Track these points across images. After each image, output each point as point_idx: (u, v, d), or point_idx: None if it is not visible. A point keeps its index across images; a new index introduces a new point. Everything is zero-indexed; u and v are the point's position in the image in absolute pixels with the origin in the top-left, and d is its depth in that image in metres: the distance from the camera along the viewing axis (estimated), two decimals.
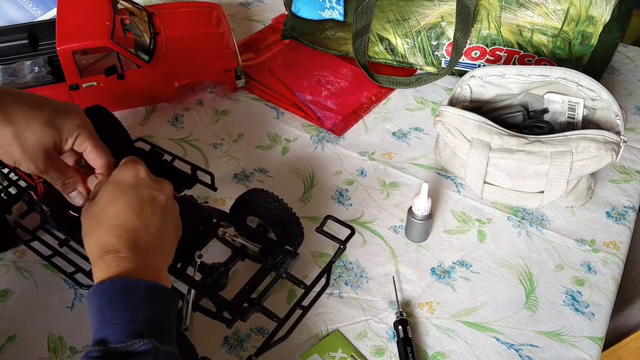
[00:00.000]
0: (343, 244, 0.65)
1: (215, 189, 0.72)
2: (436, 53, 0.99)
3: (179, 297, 0.51)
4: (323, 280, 0.64)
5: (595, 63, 0.91)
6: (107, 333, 0.44)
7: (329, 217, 0.68)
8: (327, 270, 0.64)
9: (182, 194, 0.68)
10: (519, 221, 0.78)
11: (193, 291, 0.59)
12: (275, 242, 0.65)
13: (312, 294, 0.62)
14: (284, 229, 0.67)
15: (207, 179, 0.72)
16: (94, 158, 0.59)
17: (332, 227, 0.67)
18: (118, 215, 0.50)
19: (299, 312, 0.60)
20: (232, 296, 0.60)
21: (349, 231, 0.66)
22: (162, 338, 0.45)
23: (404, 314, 0.67)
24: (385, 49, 1.02)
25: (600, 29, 0.86)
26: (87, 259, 0.56)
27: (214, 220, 0.65)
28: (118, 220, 0.50)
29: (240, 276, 0.69)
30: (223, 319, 0.59)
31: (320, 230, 0.67)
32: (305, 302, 0.61)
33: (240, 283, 0.62)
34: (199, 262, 0.60)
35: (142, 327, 0.45)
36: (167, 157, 0.75)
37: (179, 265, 0.61)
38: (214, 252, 0.68)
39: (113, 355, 0.42)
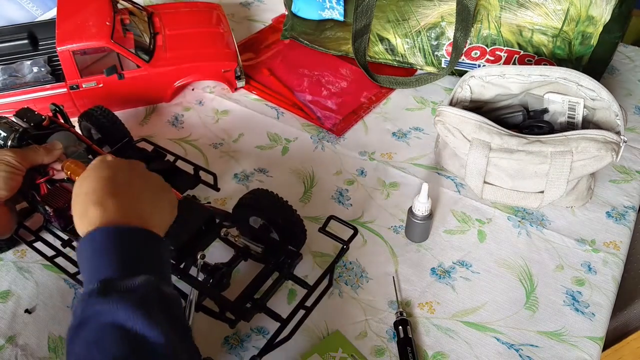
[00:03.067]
0: (346, 244, 0.65)
1: (218, 189, 0.72)
2: (436, 53, 0.99)
3: (170, 248, 0.52)
4: (325, 281, 0.64)
5: (595, 63, 0.91)
6: (104, 273, 0.44)
7: (331, 217, 0.68)
8: (329, 271, 0.64)
9: (185, 194, 0.68)
10: (519, 221, 0.79)
11: (196, 291, 0.59)
12: (278, 243, 0.66)
13: (315, 295, 0.62)
14: (287, 229, 0.67)
15: (209, 179, 0.72)
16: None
17: (333, 227, 0.67)
18: (93, 183, 0.51)
19: (301, 312, 0.61)
20: (234, 296, 0.60)
21: (350, 231, 0.66)
22: (160, 277, 0.45)
23: (404, 314, 0.67)
24: (385, 49, 1.02)
25: (600, 29, 0.86)
26: None
27: (217, 221, 0.65)
28: (93, 186, 0.50)
29: (243, 276, 0.69)
30: (226, 320, 0.59)
31: (323, 230, 0.67)
32: (308, 303, 0.61)
33: (242, 283, 0.62)
34: (201, 263, 0.60)
35: (138, 266, 0.45)
36: (170, 158, 0.75)
37: (182, 266, 0.61)
38: (216, 253, 0.68)
39: (115, 290, 0.42)
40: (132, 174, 0.54)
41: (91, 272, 0.45)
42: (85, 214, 0.48)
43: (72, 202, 0.52)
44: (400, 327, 0.65)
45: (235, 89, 1.00)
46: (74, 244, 0.68)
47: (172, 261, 0.61)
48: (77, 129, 0.77)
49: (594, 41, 0.88)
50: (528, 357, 0.64)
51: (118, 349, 0.40)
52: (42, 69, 0.92)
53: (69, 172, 0.62)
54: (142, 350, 0.40)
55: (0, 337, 0.66)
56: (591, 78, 0.75)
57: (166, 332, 0.41)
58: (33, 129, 0.69)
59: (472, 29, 0.93)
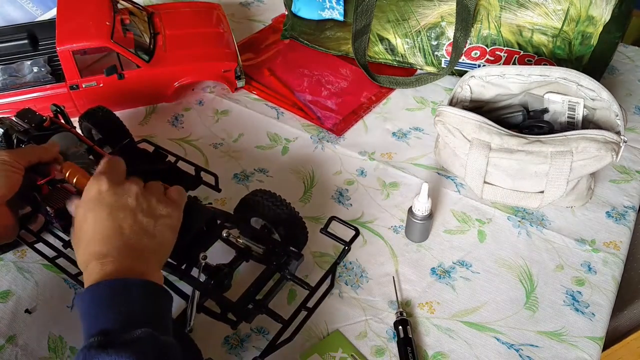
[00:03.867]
0: (348, 245, 0.65)
1: (219, 190, 0.72)
2: (436, 53, 0.99)
3: (171, 296, 0.52)
4: (327, 282, 0.64)
5: (595, 63, 0.91)
6: (103, 325, 0.44)
7: (333, 218, 0.68)
8: (331, 272, 0.64)
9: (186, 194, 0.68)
10: (519, 221, 0.79)
11: (197, 292, 0.59)
12: (279, 244, 0.65)
13: (317, 296, 0.62)
14: (289, 230, 0.67)
15: (210, 180, 0.72)
16: None
17: (333, 227, 0.67)
18: (91, 229, 0.52)
19: (303, 313, 0.60)
20: (236, 297, 0.60)
21: (351, 232, 0.66)
22: (159, 328, 0.46)
23: (404, 314, 0.67)
24: (385, 49, 1.02)
25: (600, 29, 0.86)
26: None
27: (218, 222, 0.65)
28: (92, 234, 0.52)
29: (244, 277, 0.69)
30: (228, 321, 0.59)
31: (324, 231, 0.67)
32: (310, 304, 0.61)
33: (244, 284, 0.62)
34: (203, 264, 0.60)
35: (138, 319, 0.45)
36: (171, 158, 0.75)
37: (183, 267, 0.61)
38: (218, 254, 0.68)
39: (113, 344, 0.43)
40: (127, 214, 0.53)
41: (91, 322, 0.46)
42: (86, 266, 0.50)
43: (72, 242, 0.54)
44: (400, 327, 0.65)
45: (235, 89, 1.00)
46: None
47: (173, 262, 0.61)
48: (78, 130, 0.77)
49: (594, 41, 0.88)
50: (528, 357, 0.64)
51: None
52: (42, 69, 0.92)
53: (73, 180, 0.61)
54: None
55: (1, 337, 0.66)
56: (591, 78, 0.75)
57: None
58: (34, 130, 0.69)
59: (472, 29, 0.93)
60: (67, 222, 0.63)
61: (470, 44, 0.95)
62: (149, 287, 0.49)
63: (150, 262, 0.52)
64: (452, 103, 0.82)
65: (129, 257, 0.50)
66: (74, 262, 0.67)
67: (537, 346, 0.65)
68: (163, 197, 0.57)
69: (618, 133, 0.72)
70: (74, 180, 0.60)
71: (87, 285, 0.48)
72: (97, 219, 0.52)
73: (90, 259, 0.50)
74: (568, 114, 0.79)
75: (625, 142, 0.71)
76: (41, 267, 0.73)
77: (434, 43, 0.98)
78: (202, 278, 0.61)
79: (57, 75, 0.91)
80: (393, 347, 0.65)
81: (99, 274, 0.48)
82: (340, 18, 1.02)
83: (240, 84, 0.99)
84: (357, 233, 0.66)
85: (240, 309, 0.58)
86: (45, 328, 0.67)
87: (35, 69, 0.92)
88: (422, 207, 0.72)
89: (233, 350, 0.65)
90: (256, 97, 1.00)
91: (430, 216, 0.73)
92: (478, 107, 0.82)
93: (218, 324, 0.60)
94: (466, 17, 0.91)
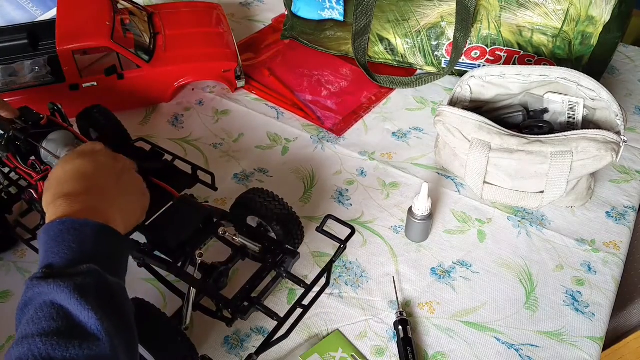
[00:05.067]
0: (343, 243, 0.65)
1: (215, 189, 0.72)
2: (436, 53, 0.99)
3: (130, 244, 0.54)
4: (323, 280, 0.64)
5: (595, 63, 0.91)
6: (52, 260, 0.46)
7: (329, 216, 0.68)
8: (327, 270, 0.64)
9: (183, 193, 0.68)
10: (519, 221, 0.79)
11: (193, 290, 0.59)
12: (275, 242, 0.66)
13: (313, 294, 0.62)
14: (284, 228, 0.67)
15: (207, 178, 0.72)
16: None
17: (332, 226, 0.67)
18: (72, 171, 0.54)
19: (299, 311, 0.61)
20: (232, 295, 0.60)
21: (349, 231, 0.66)
22: (108, 270, 0.47)
23: (404, 314, 0.67)
24: (385, 49, 1.02)
25: (600, 29, 0.86)
26: None
27: (215, 220, 0.65)
28: (72, 174, 0.54)
29: (241, 275, 0.69)
30: (223, 318, 0.59)
31: (320, 229, 0.67)
32: (306, 302, 0.61)
33: (240, 282, 0.62)
34: (199, 261, 0.60)
35: (86, 257, 0.46)
36: (168, 157, 0.75)
37: (179, 264, 0.61)
38: (214, 252, 0.68)
39: (55, 275, 0.44)
40: (110, 170, 0.57)
41: (42, 258, 0.47)
42: (53, 202, 0.51)
43: (45, 183, 0.55)
44: (400, 327, 0.65)
45: (235, 89, 1.00)
46: None
47: (169, 260, 0.61)
48: (76, 128, 0.77)
49: (594, 41, 0.88)
50: (528, 357, 0.64)
51: (48, 323, 0.41)
52: (42, 69, 0.92)
53: None
54: (73, 329, 0.42)
55: (0, 337, 0.66)
56: (591, 78, 0.75)
57: (100, 316, 0.42)
58: (31, 128, 0.69)
59: (472, 29, 0.93)
60: None
61: (470, 44, 0.95)
62: (105, 230, 0.50)
63: (114, 217, 0.53)
64: (452, 103, 0.82)
65: (96, 205, 0.52)
66: None
67: (537, 346, 0.65)
68: (141, 185, 0.62)
69: (618, 133, 0.72)
70: None
71: (49, 220, 0.49)
72: (81, 165, 0.55)
73: (57, 198, 0.51)
74: (568, 114, 0.79)
75: (625, 142, 0.71)
76: None
77: (434, 43, 0.98)
78: (198, 276, 0.61)
79: (57, 75, 0.91)
80: (393, 347, 0.65)
81: (63, 211, 0.50)
82: (340, 18, 1.02)
83: (240, 84, 0.99)
84: (353, 231, 0.66)
85: (236, 306, 0.58)
86: None
87: (35, 69, 0.92)
88: (422, 207, 0.72)
89: (233, 350, 0.65)
90: (256, 97, 1.00)
91: (430, 216, 0.73)
92: (478, 107, 0.82)
93: (218, 323, 0.60)
94: (466, 17, 0.91)
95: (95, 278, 0.45)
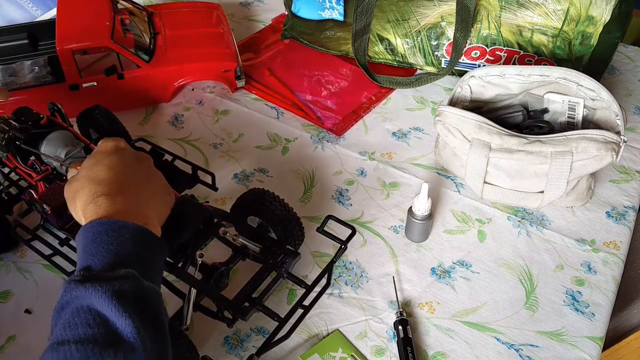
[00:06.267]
0: (344, 244, 0.65)
1: (216, 189, 0.72)
2: (436, 53, 0.99)
3: (166, 248, 0.53)
4: (324, 280, 0.64)
5: (595, 63, 0.91)
6: (90, 262, 0.45)
7: (330, 217, 0.68)
8: (328, 270, 0.64)
9: (183, 193, 0.68)
10: (519, 221, 0.79)
11: (194, 291, 0.59)
12: (276, 242, 0.65)
13: (313, 294, 0.62)
14: (285, 228, 0.67)
15: (207, 179, 0.72)
16: None
17: (332, 227, 0.67)
18: (105, 171, 0.53)
19: (299, 311, 0.61)
20: (232, 296, 0.60)
21: (349, 231, 0.66)
22: (145, 274, 0.46)
23: (404, 314, 0.67)
24: (385, 49, 1.02)
25: (600, 29, 0.86)
26: None
27: (215, 220, 0.65)
28: (105, 175, 0.53)
29: (241, 276, 0.69)
30: (224, 319, 0.59)
31: (321, 230, 0.67)
32: (306, 302, 0.61)
33: (241, 283, 0.62)
34: (200, 262, 0.60)
35: (125, 260, 0.46)
36: (168, 157, 0.75)
37: (180, 265, 0.61)
38: (215, 252, 0.68)
39: (94, 279, 0.43)
40: (139, 170, 0.56)
41: (80, 260, 0.47)
42: (93, 202, 0.50)
43: (72, 184, 0.53)
44: (400, 327, 0.65)
45: (235, 89, 1.00)
46: (72, 242, 0.68)
47: (170, 260, 0.61)
48: (76, 128, 0.77)
49: (594, 41, 0.88)
50: (528, 357, 0.64)
51: (84, 330, 0.41)
52: (42, 69, 0.92)
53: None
54: (109, 335, 0.41)
55: (0, 337, 0.66)
56: (591, 78, 0.75)
57: (136, 324, 0.42)
58: (31, 128, 0.69)
59: (472, 29, 0.93)
60: (63, 220, 0.64)
61: (470, 44, 0.95)
62: (143, 233, 0.49)
63: (152, 218, 0.53)
64: (452, 103, 0.82)
65: (135, 205, 0.52)
66: (70, 260, 0.67)
67: (537, 346, 0.65)
68: (164, 181, 0.60)
69: (618, 133, 0.72)
70: None
71: (88, 220, 0.49)
72: (112, 164, 0.54)
73: (98, 197, 0.50)
74: (568, 114, 0.79)
75: (625, 142, 0.71)
76: (41, 267, 0.73)
77: (434, 43, 0.98)
78: (199, 276, 0.61)
79: (57, 75, 0.91)
80: (393, 347, 0.65)
81: (105, 211, 0.49)
82: (340, 18, 1.02)
83: (240, 84, 0.99)
84: (354, 232, 0.66)
85: (236, 307, 0.58)
86: (45, 328, 0.66)
87: (35, 69, 0.92)
88: (422, 207, 0.72)
89: (233, 350, 0.65)
90: (256, 97, 1.00)
91: (430, 216, 0.73)
92: (478, 107, 0.82)
93: (218, 324, 0.60)
94: (466, 17, 0.91)
95: (134, 284, 0.44)
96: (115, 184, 0.52)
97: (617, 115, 0.73)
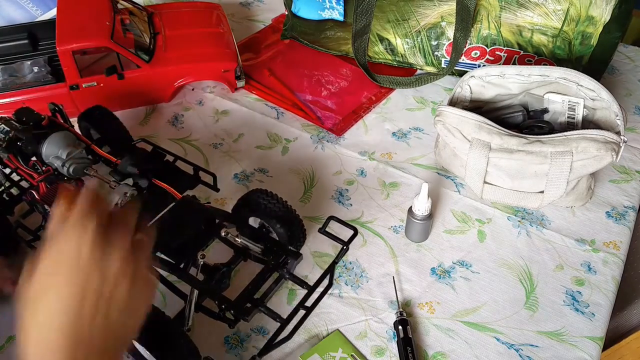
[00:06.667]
0: (346, 244, 0.65)
1: (217, 190, 0.72)
2: (436, 53, 0.99)
3: None
4: (326, 281, 0.64)
5: (595, 63, 0.91)
6: None
7: (331, 217, 0.68)
8: (329, 271, 0.64)
9: (185, 194, 0.68)
10: (519, 221, 0.79)
11: (196, 292, 0.59)
12: (277, 243, 0.66)
13: (315, 295, 0.62)
14: (287, 229, 0.67)
15: (209, 179, 0.73)
16: None
17: (333, 227, 0.67)
18: (56, 309, 0.42)
19: (301, 312, 0.61)
20: (234, 296, 0.60)
21: (350, 231, 0.66)
22: None
23: (404, 314, 0.67)
24: (385, 49, 1.02)
25: (600, 29, 0.86)
26: None
27: (217, 221, 0.65)
28: (54, 317, 0.42)
29: (243, 277, 0.69)
30: (226, 320, 0.59)
31: (322, 231, 0.67)
32: (308, 303, 0.61)
33: (242, 284, 0.62)
34: (201, 263, 0.60)
35: None
36: (169, 158, 0.75)
37: (182, 266, 0.61)
38: (216, 253, 0.68)
39: None
40: (114, 305, 0.43)
41: None
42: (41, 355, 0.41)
43: (22, 334, 0.44)
44: (400, 327, 0.65)
45: (235, 89, 1.00)
46: None
47: (171, 261, 0.61)
48: (77, 129, 0.77)
49: (594, 41, 0.88)
50: (528, 357, 0.64)
51: None
52: (42, 69, 0.92)
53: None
54: None
55: (1, 337, 0.66)
56: (591, 78, 0.75)
57: None
58: (32, 129, 0.69)
59: (472, 29, 0.93)
60: None
61: (470, 44, 0.95)
62: None
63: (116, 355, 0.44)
64: (452, 103, 0.82)
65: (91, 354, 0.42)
66: None
67: (537, 346, 0.65)
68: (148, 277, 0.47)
69: (618, 133, 0.72)
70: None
71: None
72: (63, 296, 0.42)
73: (44, 352, 0.42)
74: (568, 114, 0.79)
75: (625, 142, 0.71)
76: None
77: (434, 43, 0.98)
78: (201, 277, 0.61)
79: (57, 75, 0.91)
80: (393, 347, 0.65)
81: None
82: (340, 18, 1.02)
83: (240, 84, 0.99)
84: (355, 233, 0.66)
85: (238, 308, 0.58)
86: None
87: (35, 69, 0.92)
88: (422, 207, 0.72)
89: (233, 350, 0.65)
90: (256, 97, 1.00)
91: (430, 216, 0.73)
92: (478, 107, 0.83)
93: (218, 324, 0.60)
94: (466, 17, 0.91)
95: None
96: (64, 332, 0.41)
97: (617, 115, 0.73)
